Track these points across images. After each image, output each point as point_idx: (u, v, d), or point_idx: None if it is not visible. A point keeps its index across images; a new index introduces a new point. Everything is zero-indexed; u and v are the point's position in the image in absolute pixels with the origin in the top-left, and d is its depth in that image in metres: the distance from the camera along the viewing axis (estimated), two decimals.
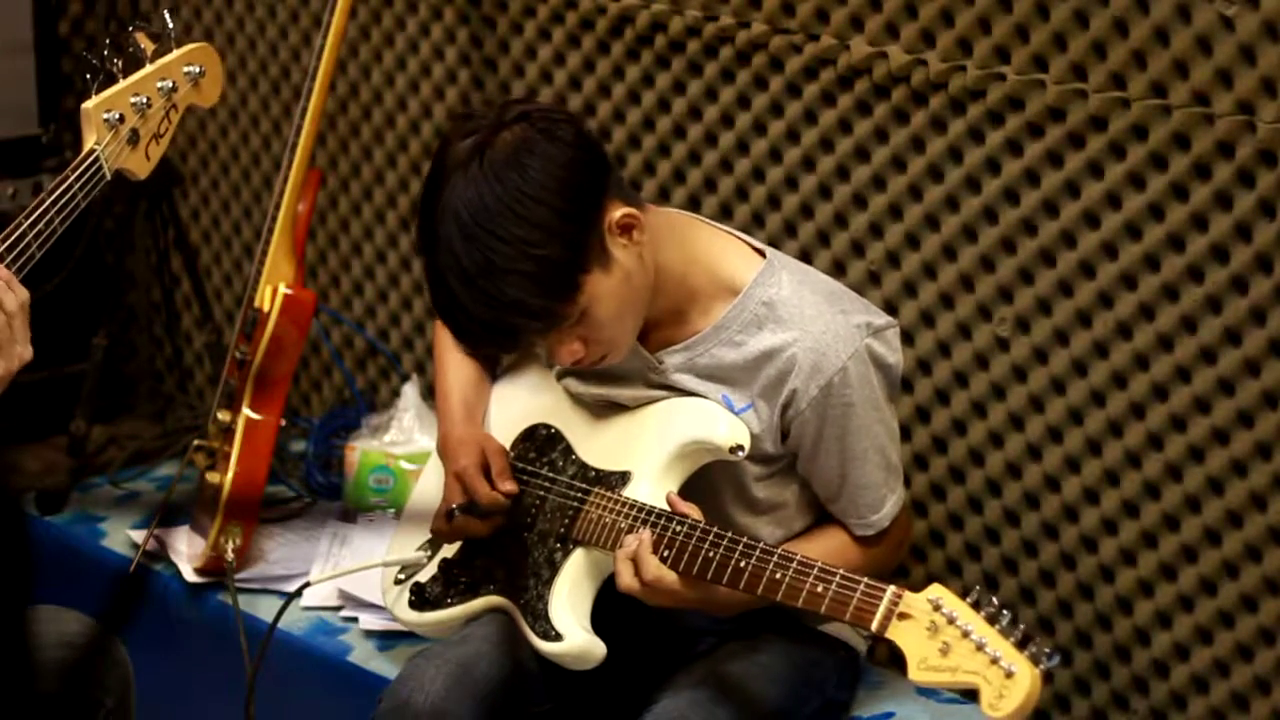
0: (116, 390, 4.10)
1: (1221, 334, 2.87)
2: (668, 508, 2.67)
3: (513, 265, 2.57)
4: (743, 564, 2.57)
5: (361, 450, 3.59)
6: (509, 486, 2.82)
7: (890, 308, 3.17)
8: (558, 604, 2.72)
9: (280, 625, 3.00)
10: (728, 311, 2.74)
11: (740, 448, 2.71)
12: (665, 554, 2.62)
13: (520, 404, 2.95)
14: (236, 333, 3.42)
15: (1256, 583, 2.89)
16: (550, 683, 2.78)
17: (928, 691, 2.99)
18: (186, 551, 3.44)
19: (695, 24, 3.32)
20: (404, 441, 3.58)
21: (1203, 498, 2.92)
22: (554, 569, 2.75)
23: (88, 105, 2.71)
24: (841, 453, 2.74)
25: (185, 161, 4.11)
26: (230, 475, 3.33)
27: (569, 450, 2.85)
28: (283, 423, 3.40)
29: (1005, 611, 2.32)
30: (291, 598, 3.00)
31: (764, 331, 2.72)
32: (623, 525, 2.69)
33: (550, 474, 2.83)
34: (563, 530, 2.76)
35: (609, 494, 2.74)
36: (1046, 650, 2.30)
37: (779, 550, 2.55)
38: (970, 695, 2.34)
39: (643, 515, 2.67)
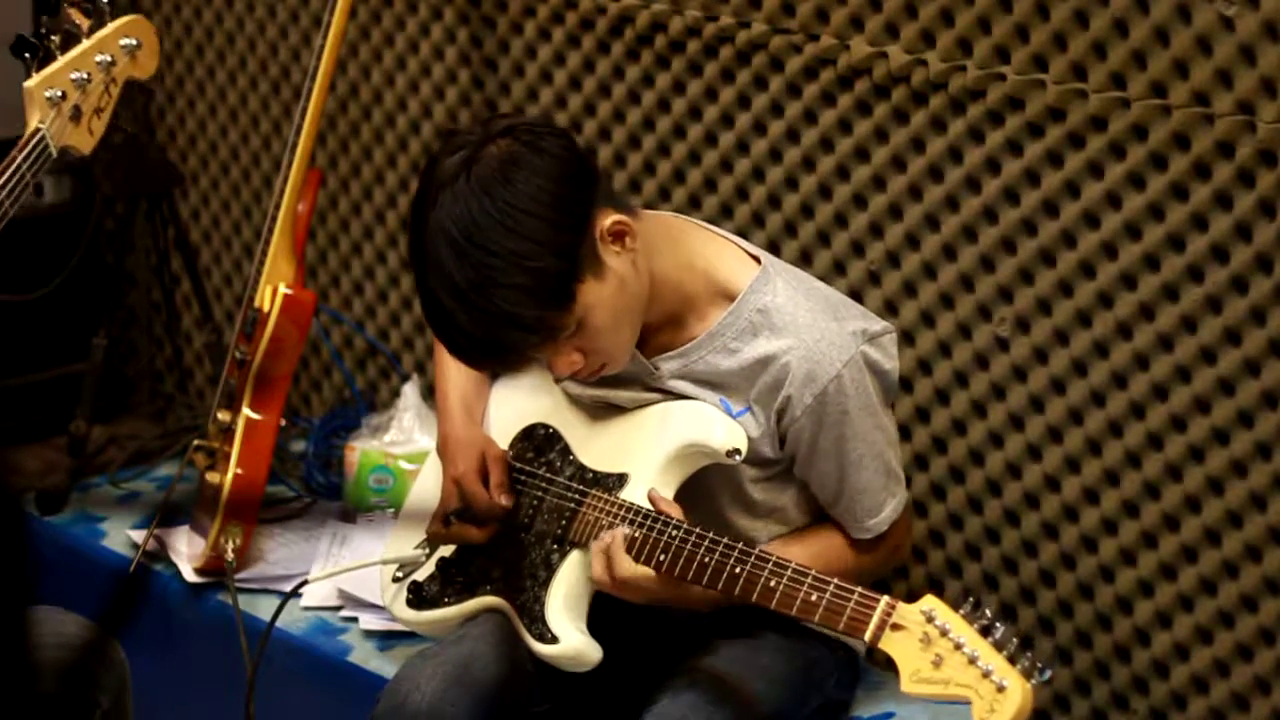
0: (116, 390, 4.10)
1: (1221, 334, 2.86)
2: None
3: (506, 279, 2.56)
4: (738, 570, 2.56)
5: (361, 450, 3.59)
6: (505, 501, 2.82)
7: (890, 308, 3.17)
8: (554, 606, 2.72)
9: (280, 625, 3.00)
10: (723, 318, 2.73)
11: (737, 451, 2.71)
12: (661, 558, 2.62)
13: (519, 404, 2.95)
14: (236, 333, 3.42)
15: (1256, 583, 2.89)
16: (548, 683, 2.78)
17: None
18: (186, 551, 3.43)
19: (695, 24, 3.31)
20: (404, 441, 3.58)
21: (1203, 498, 2.92)
22: (550, 570, 2.74)
23: (29, 84, 2.70)
24: (839, 459, 2.74)
25: (185, 161, 4.10)
26: (230, 475, 3.33)
27: (567, 451, 2.84)
28: (283, 423, 3.40)
29: (999, 624, 2.32)
30: (289, 596, 3.00)
31: (759, 339, 2.72)
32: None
33: (548, 474, 2.83)
34: (560, 531, 2.76)
35: (606, 496, 2.74)
36: (1039, 664, 2.30)
37: (774, 556, 2.54)
38: None
39: (639, 518, 2.67)
